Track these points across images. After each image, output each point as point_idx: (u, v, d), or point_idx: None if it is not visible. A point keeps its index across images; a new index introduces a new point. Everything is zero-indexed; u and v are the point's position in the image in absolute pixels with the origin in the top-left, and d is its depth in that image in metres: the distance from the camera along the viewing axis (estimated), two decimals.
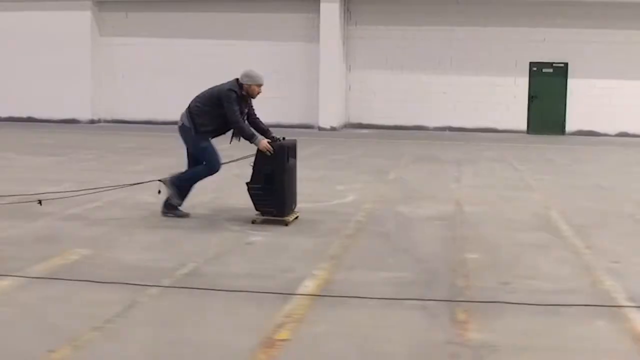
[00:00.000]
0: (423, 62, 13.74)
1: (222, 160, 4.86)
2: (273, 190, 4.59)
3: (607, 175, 7.82)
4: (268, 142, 4.62)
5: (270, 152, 4.57)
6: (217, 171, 4.87)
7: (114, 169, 7.35)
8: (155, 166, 6.94)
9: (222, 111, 4.68)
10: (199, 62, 13.71)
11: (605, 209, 5.47)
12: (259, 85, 4.81)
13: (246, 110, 4.87)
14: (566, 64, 13.40)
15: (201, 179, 4.89)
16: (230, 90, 4.69)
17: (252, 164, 4.66)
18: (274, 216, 4.64)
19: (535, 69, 13.54)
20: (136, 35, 14.11)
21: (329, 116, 13.50)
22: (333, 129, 13.44)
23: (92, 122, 14.20)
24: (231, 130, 4.81)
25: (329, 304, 2.87)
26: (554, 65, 13.47)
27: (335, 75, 13.42)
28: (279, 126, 12.67)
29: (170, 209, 4.82)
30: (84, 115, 14.17)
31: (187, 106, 4.92)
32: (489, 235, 4.45)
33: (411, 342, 2.44)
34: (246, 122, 4.85)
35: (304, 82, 13.71)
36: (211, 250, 3.86)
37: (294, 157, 4.95)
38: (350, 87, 14.23)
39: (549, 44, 13.30)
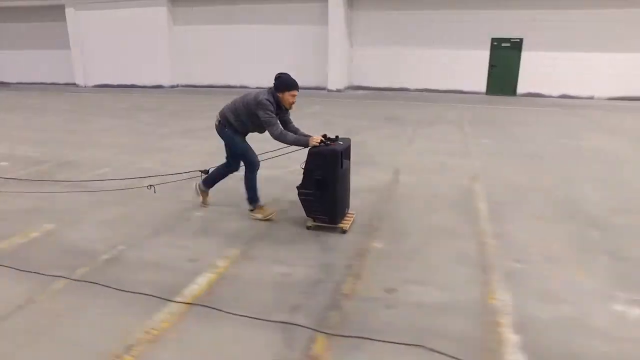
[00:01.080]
0: (409, 39, 17.70)
1: (258, 162, 4.61)
2: (324, 198, 4.25)
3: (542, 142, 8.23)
4: (320, 140, 4.18)
5: (322, 141, 4.17)
6: (258, 165, 4.62)
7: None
8: None
9: (258, 121, 4.32)
10: (241, 42, 18.99)
11: (527, 184, 5.70)
12: (293, 94, 4.31)
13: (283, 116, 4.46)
14: (521, 39, 16.78)
15: (254, 180, 4.64)
16: (266, 100, 4.22)
17: (302, 166, 4.26)
18: (327, 223, 4.35)
19: (496, 43, 17.06)
20: (198, 23, 19.50)
21: (335, 81, 18.26)
22: (338, 90, 18.21)
23: (172, 87, 20.22)
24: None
25: None
26: (511, 40, 16.91)
27: (338, 51, 17.88)
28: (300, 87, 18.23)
29: (253, 207, 4.67)
30: (166, 81, 20.19)
31: (221, 109, 4.60)
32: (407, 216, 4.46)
33: None
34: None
35: (316, 56, 18.44)
36: None
37: (348, 158, 4.63)
38: (352, 59, 18.75)
39: (508, 23, 16.67)
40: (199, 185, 4.97)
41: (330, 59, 17.96)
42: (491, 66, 17.24)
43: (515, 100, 16.01)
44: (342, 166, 4.27)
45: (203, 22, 19.41)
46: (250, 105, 4.35)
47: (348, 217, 4.60)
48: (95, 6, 19.84)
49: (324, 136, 4.29)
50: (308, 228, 4.44)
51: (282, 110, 4.43)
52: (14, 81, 22.49)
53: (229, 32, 19.15)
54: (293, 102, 4.37)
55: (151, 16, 19.39)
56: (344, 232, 4.34)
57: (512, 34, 16.77)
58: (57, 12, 20.39)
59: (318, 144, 4.20)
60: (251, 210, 4.73)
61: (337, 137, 4.39)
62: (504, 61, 17.01)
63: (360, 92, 18.34)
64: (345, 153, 4.45)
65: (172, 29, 19.71)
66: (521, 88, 17.11)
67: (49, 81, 21.94)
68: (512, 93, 17.12)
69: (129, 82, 20.38)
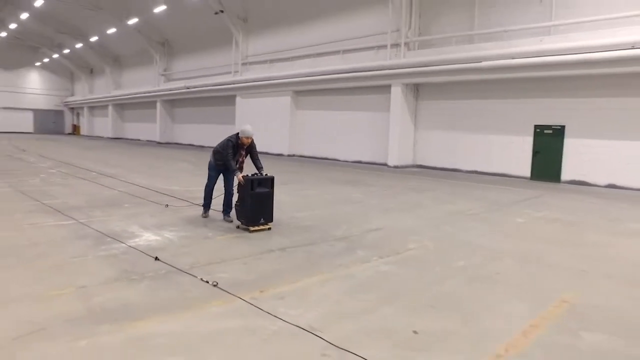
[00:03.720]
0: (463, 125, 18.92)
1: (212, 186, 7.53)
2: (243, 208, 6.52)
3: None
4: (242, 177, 6.50)
5: (242, 183, 6.49)
6: (207, 189, 7.57)
7: None
8: None
9: (225, 153, 6.98)
10: (334, 124, 23.15)
11: None
12: (247, 137, 6.96)
13: (243, 154, 7.10)
14: (563, 127, 16.13)
15: (207, 192, 7.58)
16: (228, 140, 6.96)
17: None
18: (245, 225, 6.54)
19: (538, 130, 16.75)
20: (310, 109, 24.68)
21: (394, 159, 20.45)
22: (396, 167, 20.30)
23: (289, 156, 25.51)
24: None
25: None
26: (552, 127, 16.39)
27: (399, 133, 20.21)
28: (369, 162, 21.03)
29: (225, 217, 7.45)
30: (285, 151, 25.66)
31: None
32: None
33: None
34: (242, 159, 7.09)
35: (383, 136, 21.11)
36: None
37: (268, 187, 6.70)
38: (417, 141, 20.65)
39: (549, 110, 16.42)
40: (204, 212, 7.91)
41: (390, 139, 20.48)
42: (535, 152, 16.87)
43: (563, 187, 15.18)
44: (252, 189, 6.51)
45: (312, 108, 24.54)
46: (223, 142, 7.08)
47: (264, 226, 6.68)
48: (252, 95, 27.29)
49: (257, 173, 6.78)
50: (237, 227, 6.74)
51: (242, 148, 7.07)
52: (205, 144, 31.69)
53: (328, 116, 23.67)
54: (247, 142, 7.03)
55: (282, 103, 25.59)
56: (249, 232, 6.52)
57: (554, 121, 16.37)
58: (229, 100, 28.75)
59: (240, 180, 6.56)
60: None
61: (267, 174, 6.87)
62: (547, 147, 16.54)
63: (416, 169, 20.00)
64: (264, 183, 6.67)
65: (294, 113, 25.43)
66: (565, 175, 16.17)
67: None
68: (556, 179, 16.29)
69: (263, 150, 26.70)
